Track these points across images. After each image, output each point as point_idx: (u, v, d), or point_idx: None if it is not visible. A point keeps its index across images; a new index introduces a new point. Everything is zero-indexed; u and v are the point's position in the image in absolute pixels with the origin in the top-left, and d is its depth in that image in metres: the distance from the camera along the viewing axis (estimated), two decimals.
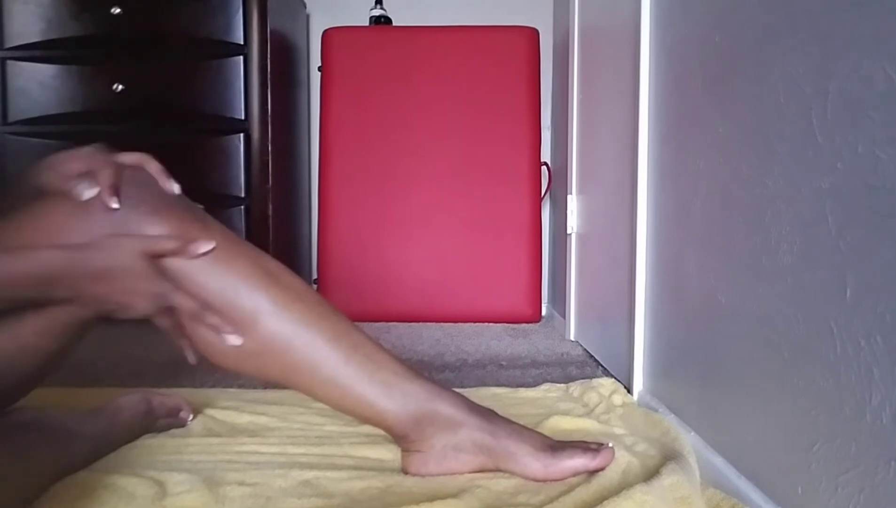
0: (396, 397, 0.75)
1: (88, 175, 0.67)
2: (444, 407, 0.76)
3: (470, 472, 0.76)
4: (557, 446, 0.76)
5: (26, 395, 0.74)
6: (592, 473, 0.76)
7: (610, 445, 0.77)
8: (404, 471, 0.77)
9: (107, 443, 0.83)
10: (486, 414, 0.78)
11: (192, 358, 0.75)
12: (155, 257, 0.67)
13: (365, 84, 2.12)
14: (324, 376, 0.74)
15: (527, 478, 0.75)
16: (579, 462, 0.74)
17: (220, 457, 0.83)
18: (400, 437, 0.77)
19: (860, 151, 0.55)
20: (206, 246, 0.69)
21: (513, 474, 0.75)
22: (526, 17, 2.28)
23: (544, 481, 0.74)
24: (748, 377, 0.74)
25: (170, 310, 0.70)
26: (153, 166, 0.72)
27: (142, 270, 0.66)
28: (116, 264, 0.65)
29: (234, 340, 0.71)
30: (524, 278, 2.10)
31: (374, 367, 0.76)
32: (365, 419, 0.77)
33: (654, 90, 1.10)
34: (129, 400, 0.89)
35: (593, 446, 0.76)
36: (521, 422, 0.99)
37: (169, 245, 0.68)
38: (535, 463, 0.74)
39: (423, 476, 0.76)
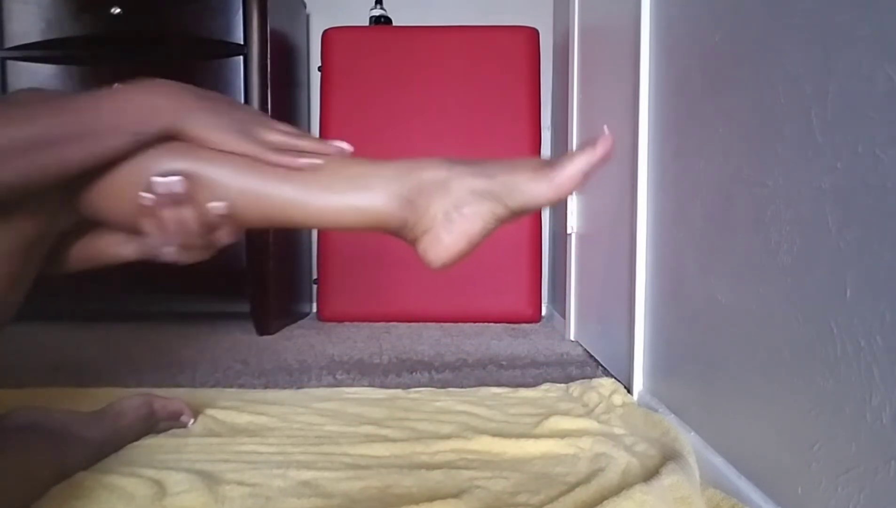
0: (374, 186, 0.68)
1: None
2: (426, 173, 0.68)
3: (483, 226, 0.68)
4: (554, 160, 0.69)
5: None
6: (591, 476, 0.76)
7: (606, 132, 0.68)
8: (427, 263, 0.70)
9: (108, 447, 0.83)
10: (471, 161, 0.70)
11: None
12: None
13: (365, 84, 2.11)
14: (298, 199, 0.67)
15: (539, 204, 0.68)
16: (581, 160, 0.67)
17: (219, 457, 0.83)
18: (400, 227, 0.69)
19: (860, 151, 0.55)
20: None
21: (524, 208, 0.68)
22: (526, 17, 2.28)
23: (557, 199, 0.67)
24: (748, 377, 0.74)
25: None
26: None
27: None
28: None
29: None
30: (524, 278, 2.10)
31: (340, 167, 0.69)
32: (358, 225, 0.69)
33: (654, 90, 1.10)
34: (131, 404, 0.89)
35: (589, 140, 0.68)
36: (521, 422, 0.99)
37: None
38: (540, 185, 0.67)
39: (444, 258, 0.69)
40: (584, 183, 0.68)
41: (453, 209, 0.68)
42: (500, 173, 0.67)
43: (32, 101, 0.64)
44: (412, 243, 0.70)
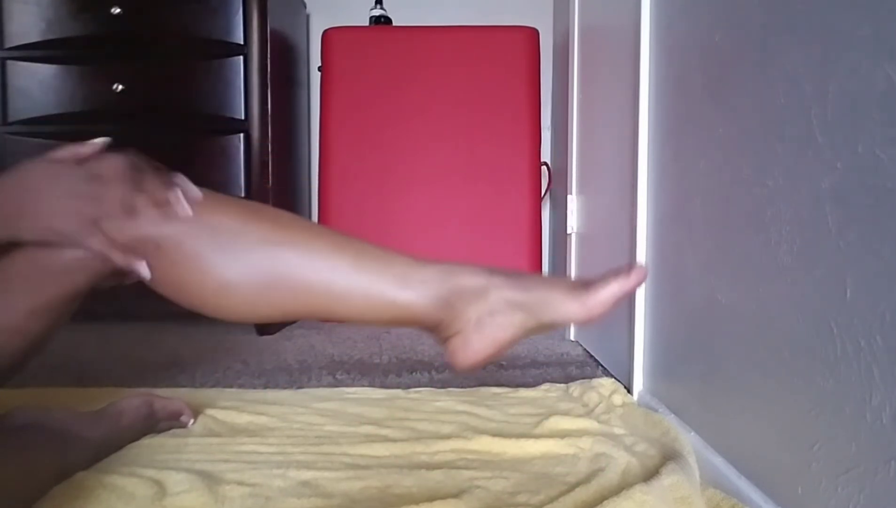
0: (417, 285, 0.71)
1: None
2: (466, 278, 0.71)
3: (513, 335, 0.71)
4: (588, 281, 0.72)
5: (10, 379, 0.72)
6: (592, 474, 0.76)
7: (642, 264, 0.71)
8: (453, 366, 0.73)
9: (108, 447, 0.83)
10: (509, 273, 0.74)
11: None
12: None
13: (365, 84, 2.11)
14: (339, 290, 0.70)
15: (569, 321, 0.71)
16: (614, 287, 0.69)
17: (219, 457, 0.83)
18: (434, 326, 0.72)
19: (860, 151, 0.55)
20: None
21: (553, 323, 0.71)
22: (526, 17, 2.28)
23: (588, 320, 0.70)
24: (748, 377, 0.74)
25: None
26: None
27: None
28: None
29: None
30: None
31: (385, 265, 0.72)
32: (394, 320, 0.72)
33: (654, 90, 1.10)
34: (131, 404, 0.89)
35: (623, 268, 0.71)
36: (521, 422, 0.99)
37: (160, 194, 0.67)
38: (573, 304, 0.70)
39: (471, 361, 0.71)
40: (614, 307, 0.71)
41: (487, 316, 0.71)
42: (535, 288, 0.71)
43: None
44: (442, 342, 0.73)
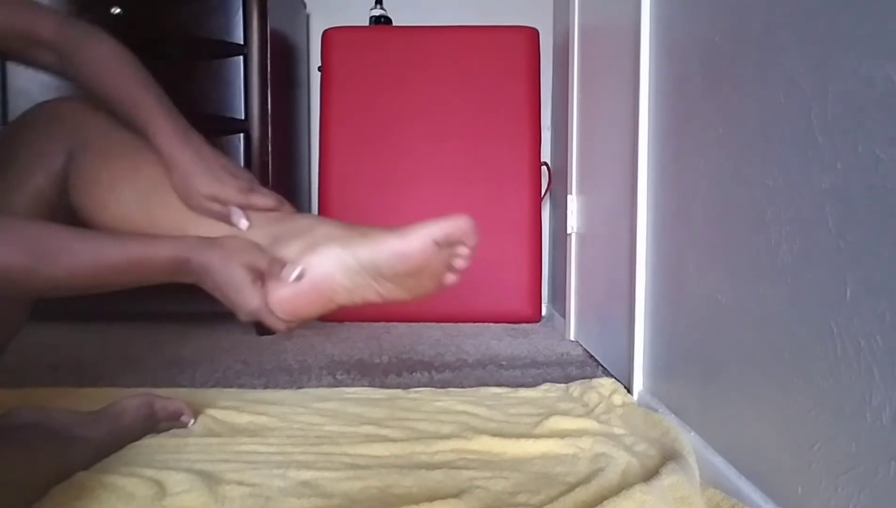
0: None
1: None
2: (303, 221, 0.75)
3: (330, 275, 0.70)
4: (407, 228, 0.71)
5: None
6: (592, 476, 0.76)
7: (467, 221, 0.70)
8: (274, 321, 0.72)
9: (108, 447, 0.83)
10: (333, 221, 0.75)
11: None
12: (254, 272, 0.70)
13: (365, 84, 2.11)
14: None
15: (385, 258, 0.69)
16: (434, 227, 0.69)
17: (219, 457, 0.83)
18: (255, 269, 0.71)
19: (860, 151, 0.55)
20: (294, 273, 0.71)
21: (371, 260, 0.69)
22: (526, 17, 2.28)
23: (405, 253, 0.69)
24: (748, 377, 0.74)
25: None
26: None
27: (244, 279, 0.70)
28: (229, 272, 0.69)
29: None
30: (524, 278, 2.10)
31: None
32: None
33: (654, 90, 1.10)
34: (131, 403, 0.89)
35: (451, 218, 0.70)
36: (522, 422, 0.99)
37: (264, 264, 0.71)
38: (391, 238, 0.71)
39: (288, 308, 0.71)
40: (432, 247, 0.68)
41: (308, 248, 0.70)
42: (359, 227, 0.71)
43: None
44: (264, 286, 0.71)
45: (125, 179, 0.75)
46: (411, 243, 0.69)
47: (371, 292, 0.72)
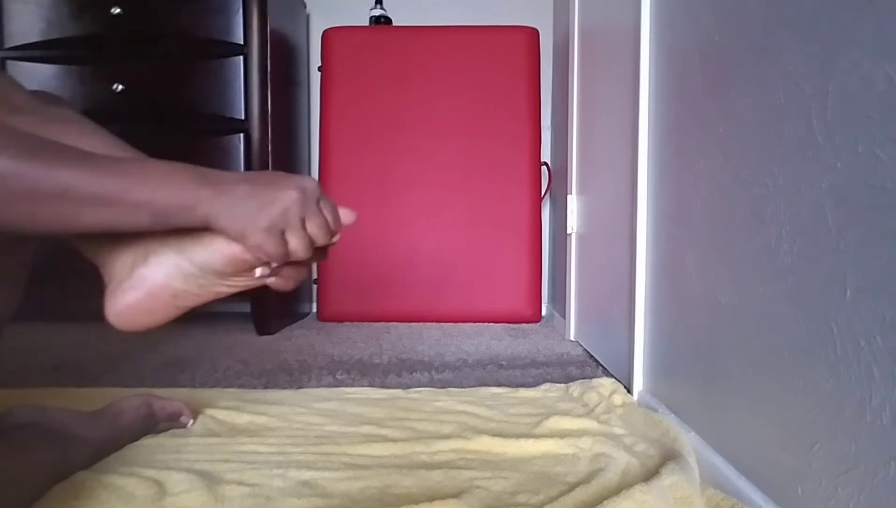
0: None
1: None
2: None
3: (166, 279, 0.65)
4: None
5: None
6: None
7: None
8: (114, 321, 0.66)
9: (107, 447, 0.83)
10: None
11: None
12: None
13: (365, 84, 2.11)
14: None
15: (214, 260, 0.64)
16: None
17: (219, 457, 0.83)
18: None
19: (860, 151, 0.55)
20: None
21: (204, 263, 0.64)
22: (526, 17, 2.28)
23: (231, 255, 0.63)
24: (748, 377, 0.74)
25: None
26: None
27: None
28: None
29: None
30: (524, 278, 2.10)
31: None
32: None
33: (654, 90, 1.10)
34: (130, 404, 0.90)
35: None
36: (522, 422, 0.99)
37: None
38: (218, 239, 0.63)
39: (122, 311, 0.66)
40: (264, 249, 0.62)
41: (141, 259, 0.65)
42: (193, 233, 0.64)
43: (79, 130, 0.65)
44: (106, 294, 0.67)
45: None
46: (232, 247, 0.64)
47: (220, 288, 0.67)
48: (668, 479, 0.72)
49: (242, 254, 0.63)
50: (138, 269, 0.66)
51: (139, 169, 0.60)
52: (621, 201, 1.27)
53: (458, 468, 0.81)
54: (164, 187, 0.59)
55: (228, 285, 0.68)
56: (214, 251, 0.64)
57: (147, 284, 0.65)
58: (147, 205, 0.59)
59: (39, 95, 0.71)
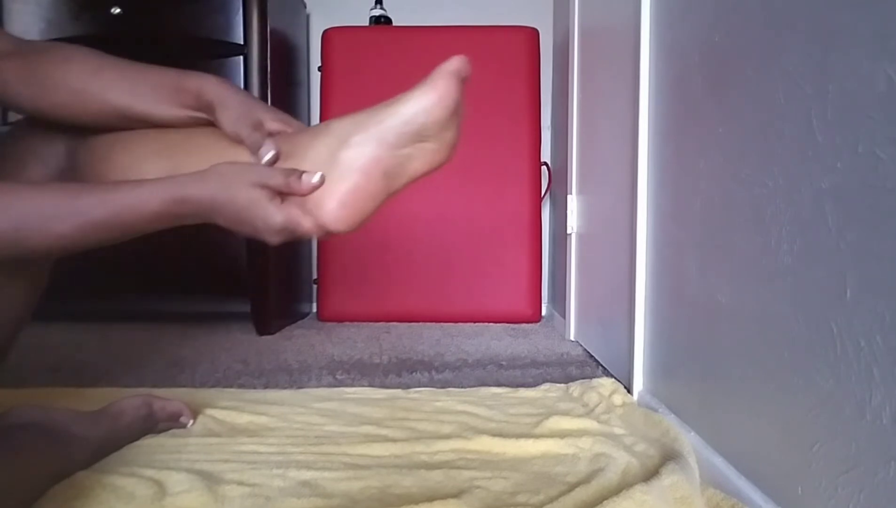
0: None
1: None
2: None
3: (376, 157, 0.66)
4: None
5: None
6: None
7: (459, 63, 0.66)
8: (329, 225, 0.66)
9: (107, 446, 0.83)
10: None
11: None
12: (268, 189, 0.64)
13: (365, 84, 2.11)
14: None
15: (419, 115, 0.66)
16: (451, 63, 0.65)
17: (219, 457, 0.83)
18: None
19: (860, 151, 0.55)
20: (315, 177, 0.64)
21: (406, 124, 0.66)
22: (526, 17, 2.28)
23: (439, 105, 0.65)
24: (748, 377, 0.74)
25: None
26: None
27: (259, 198, 0.63)
28: (236, 197, 0.63)
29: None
30: (524, 278, 2.10)
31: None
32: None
33: (654, 90, 1.10)
34: (130, 404, 0.90)
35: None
36: (522, 422, 0.99)
37: (279, 179, 0.64)
38: (418, 93, 0.66)
39: (346, 209, 0.66)
40: (456, 85, 0.64)
41: (339, 144, 0.65)
42: (374, 108, 0.66)
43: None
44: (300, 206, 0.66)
45: (140, 144, 0.71)
46: (437, 89, 0.64)
47: (418, 162, 0.67)
48: (668, 479, 0.72)
49: (443, 97, 0.63)
50: (342, 152, 0.64)
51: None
52: (621, 201, 1.27)
53: (458, 468, 0.81)
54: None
55: (426, 154, 0.67)
56: (414, 108, 0.64)
57: (359, 163, 0.64)
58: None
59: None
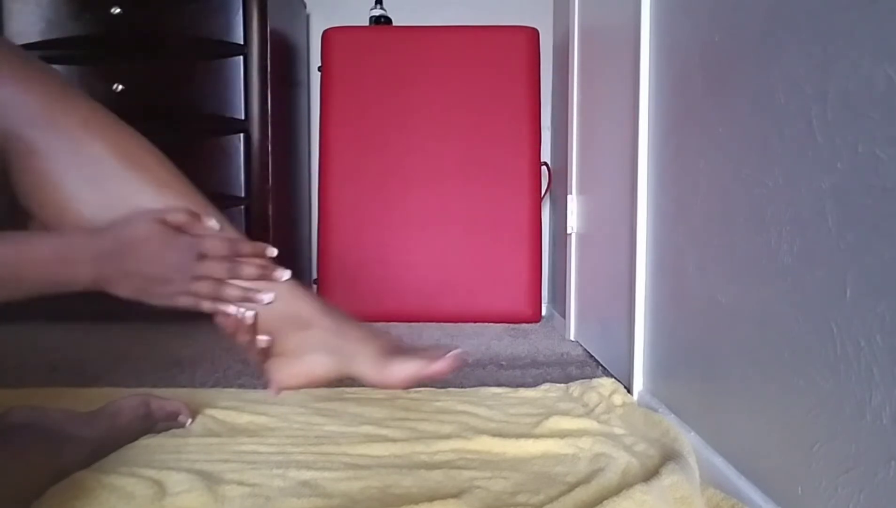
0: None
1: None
2: (304, 308, 0.74)
3: (325, 374, 0.74)
4: (402, 349, 0.74)
5: None
6: (591, 478, 0.76)
7: (459, 350, 0.72)
8: (270, 381, 0.74)
9: (105, 446, 0.83)
10: (338, 316, 0.76)
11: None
12: (170, 226, 0.67)
13: (365, 84, 2.11)
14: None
15: (365, 383, 0.72)
16: (411, 367, 0.71)
17: (219, 457, 0.83)
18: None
19: (860, 151, 0.55)
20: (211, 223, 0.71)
21: (356, 378, 0.73)
22: (526, 17, 2.28)
23: (383, 387, 0.72)
24: (748, 377, 0.74)
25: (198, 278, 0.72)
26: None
27: (160, 235, 0.66)
28: (135, 234, 0.65)
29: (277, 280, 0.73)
30: (524, 279, 2.10)
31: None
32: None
33: (654, 90, 1.10)
34: (129, 403, 0.89)
35: (440, 352, 0.72)
36: (521, 422, 0.99)
37: (181, 216, 0.68)
38: (372, 370, 0.72)
39: (287, 384, 0.74)
40: (415, 383, 0.72)
41: (308, 351, 0.74)
42: (352, 341, 0.74)
43: None
44: (259, 355, 0.74)
45: (70, 168, 0.71)
46: (388, 383, 0.72)
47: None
48: (668, 479, 0.72)
49: (381, 386, 0.72)
50: (304, 361, 0.74)
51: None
52: (621, 201, 1.27)
53: (458, 468, 0.81)
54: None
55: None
56: (364, 375, 0.72)
57: (311, 375, 0.74)
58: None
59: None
